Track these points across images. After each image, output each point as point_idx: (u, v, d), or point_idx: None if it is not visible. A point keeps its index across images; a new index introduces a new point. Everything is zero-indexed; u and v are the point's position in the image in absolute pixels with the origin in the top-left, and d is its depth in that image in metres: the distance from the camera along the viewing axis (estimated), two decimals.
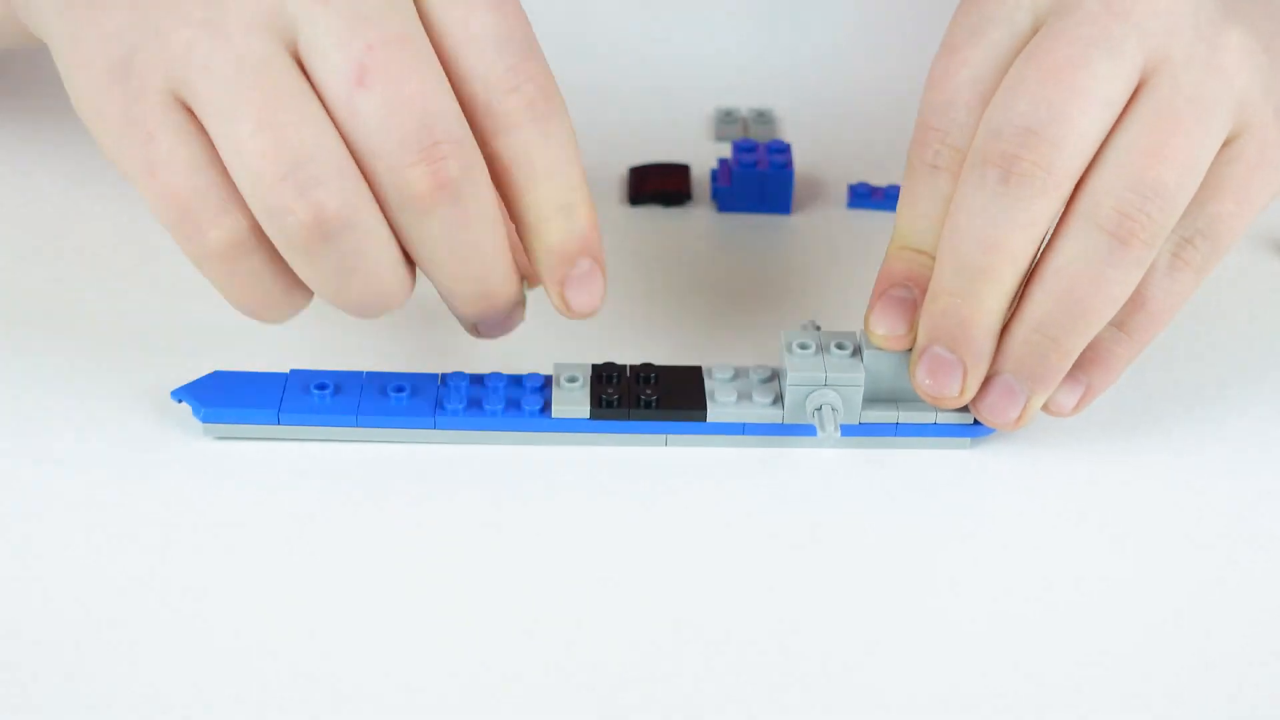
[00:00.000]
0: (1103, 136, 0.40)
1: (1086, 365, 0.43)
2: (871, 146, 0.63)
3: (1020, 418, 0.43)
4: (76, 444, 0.44)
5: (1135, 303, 0.42)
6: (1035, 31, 0.42)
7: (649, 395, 0.45)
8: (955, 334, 0.42)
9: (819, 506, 0.43)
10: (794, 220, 0.59)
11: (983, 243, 0.40)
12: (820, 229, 0.59)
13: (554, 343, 0.48)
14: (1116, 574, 0.41)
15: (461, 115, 0.39)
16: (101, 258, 0.54)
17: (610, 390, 0.45)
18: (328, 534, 0.42)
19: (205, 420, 0.44)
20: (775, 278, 0.55)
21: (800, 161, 0.61)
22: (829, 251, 0.57)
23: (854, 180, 0.61)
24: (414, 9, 0.39)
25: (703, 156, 0.62)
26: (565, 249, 0.41)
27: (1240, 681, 0.38)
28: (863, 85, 0.67)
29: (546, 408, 0.45)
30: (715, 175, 0.60)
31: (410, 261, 0.41)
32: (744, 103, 0.66)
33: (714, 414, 0.45)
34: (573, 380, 0.45)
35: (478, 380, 0.46)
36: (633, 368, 0.46)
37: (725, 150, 0.63)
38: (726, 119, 0.65)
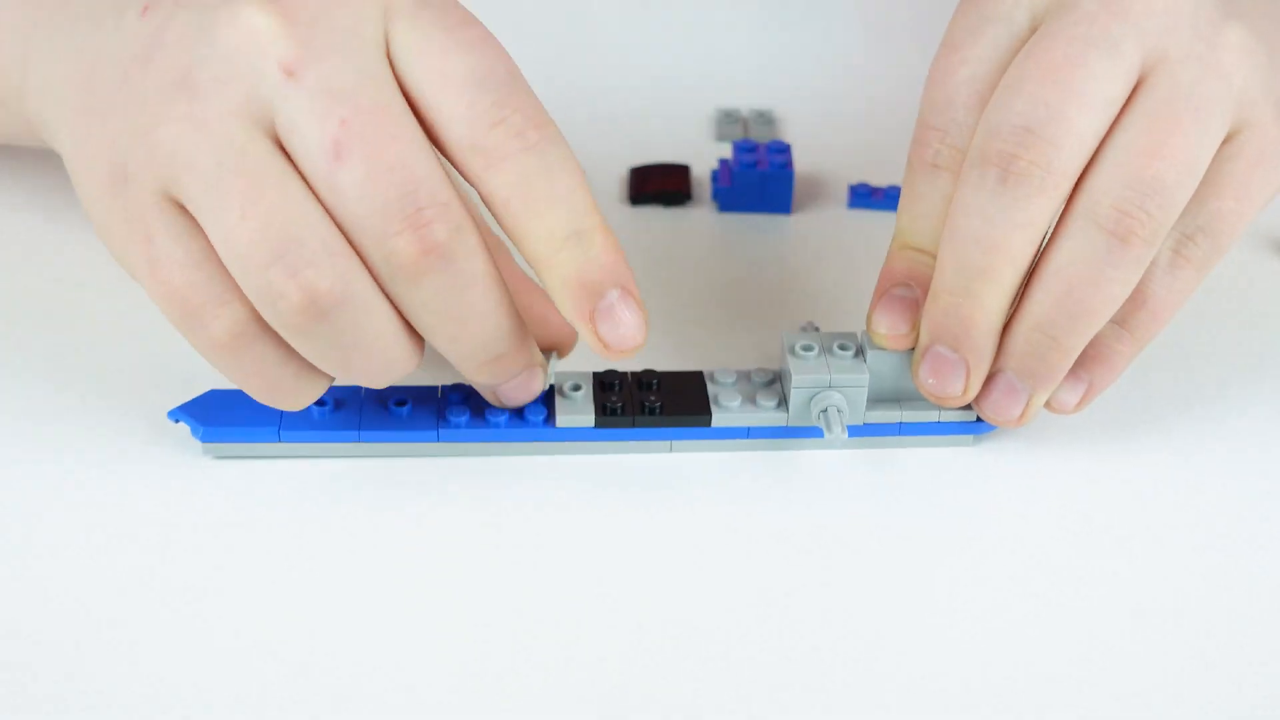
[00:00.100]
0: (1101, 135, 0.40)
1: (1088, 363, 0.43)
2: (871, 146, 0.63)
3: (1023, 416, 0.43)
4: (78, 448, 0.44)
5: (1136, 301, 0.42)
6: (1034, 30, 0.42)
7: (653, 402, 0.45)
8: (957, 333, 0.42)
9: (825, 508, 0.43)
10: (794, 220, 0.59)
11: (982, 242, 0.40)
12: (820, 229, 0.59)
13: None
14: (1118, 573, 0.41)
15: (445, 178, 0.38)
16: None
17: (614, 398, 0.45)
18: (328, 536, 0.42)
19: (205, 440, 0.44)
20: (775, 278, 0.55)
21: (800, 161, 0.61)
22: (829, 251, 0.57)
23: (854, 180, 0.61)
24: (389, 73, 0.38)
25: (703, 157, 0.62)
26: (584, 279, 0.39)
27: (1240, 681, 0.38)
28: (863, 85, 0.67)
29: (550, 417, 0.44)
30: (716, 175, 0.60)
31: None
32: (745, 103, 0.66)
33: (719, 419, 0.45)
34: (576, 389, 0.45)
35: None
36: (634, 374, 0.46)
37: (726, 150, 0.63)
38: (727, 119, 0.65)
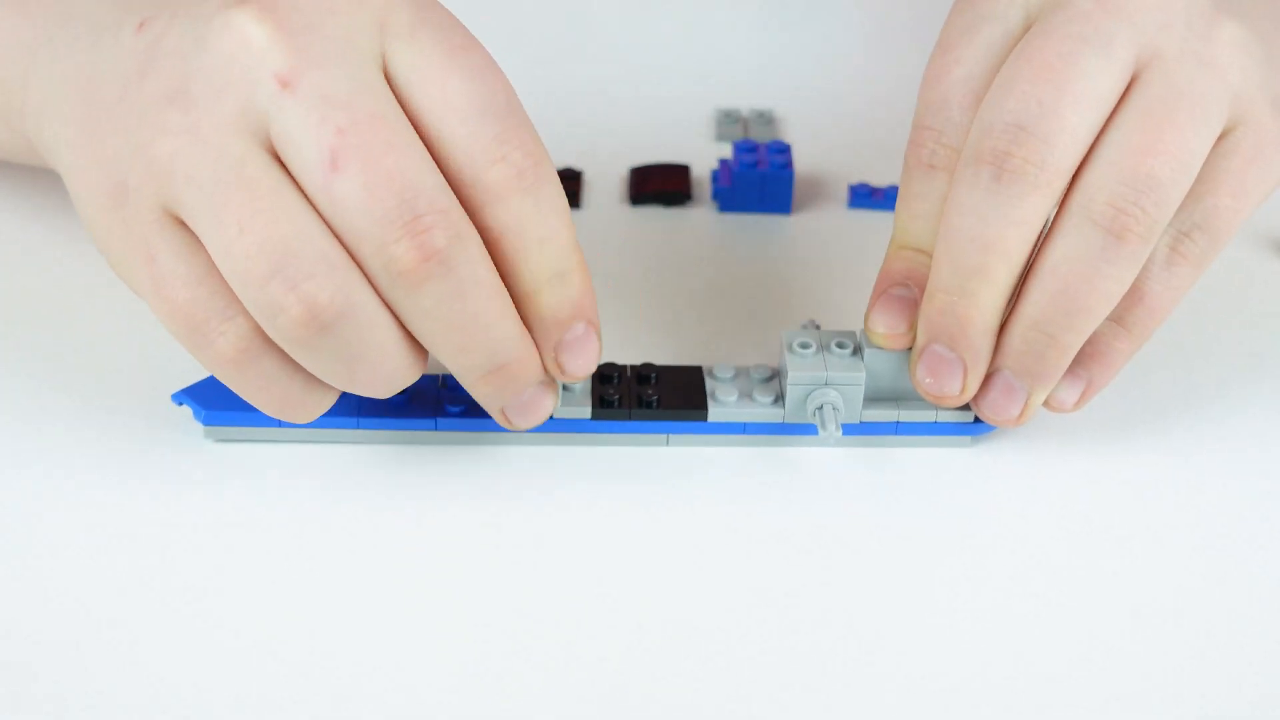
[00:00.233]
0: (1095, 132, 0.40)
1: (1087, 361, 0.43)
2: (871, 146, 0.63)
3: (1022, 415, 0.43)
4: (77, 447, 0.44)
5: (1133, 297, 0.42)
6: (1028, 29, 0.42)
7: (650, 395, 0.45)
8: (954, 332, 0.42)
9: (820, 505, 0.43)
10: (794, 220, 0.59)
11: (977, 241, 0.40)
12: (820, 229, 0.59)
13: None
14: (1117, 573, 0.41)
15: (445, 184, 0.38)
16: (101, 260, 0.53)
17: (611, 390, 0.45)
18: (328, 535, 0.42)
19: (206, 423, 0.44)
20: (775, 278, 0.55)
21: (800, 161, 0.61)
22: (829, 251, 0.57)
23: (854, 180, 0.61)
24: (386, 86, 0.38)
25: (704, 157, 0.62)
26: (559, 315, 0.40)
27: (1240, 681, 0.38)
28: (863, 85, 0.67)
29: None
30: (716, 175, 0.60)
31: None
32: (745, 103, 0.66)
33: (715, 414, 0.45)
34: None
35: None
36: (633, 368, 0.46)
37: (726, 150, 0.63)
38: (727, 119, 0.65)
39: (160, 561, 0.41)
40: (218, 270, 0.38)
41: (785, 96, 0.67)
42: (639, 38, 0.68)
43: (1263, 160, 0.42)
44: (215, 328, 0.39)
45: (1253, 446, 0.46)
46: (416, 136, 0.38)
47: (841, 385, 0.44)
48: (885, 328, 0.43)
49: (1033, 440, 0.46)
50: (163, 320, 0.39)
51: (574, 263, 0.40)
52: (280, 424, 0.44)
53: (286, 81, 0.37)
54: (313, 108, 0.37)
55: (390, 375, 0.40)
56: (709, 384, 0.46)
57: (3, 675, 0.37)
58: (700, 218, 0.59)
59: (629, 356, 0.48)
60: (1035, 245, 0.41)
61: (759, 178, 0.59)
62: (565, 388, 0.45)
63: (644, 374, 0.46)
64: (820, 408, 0.44)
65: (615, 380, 0.45)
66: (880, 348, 0.44)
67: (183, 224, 0.39)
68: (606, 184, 0.61)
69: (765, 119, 0.65)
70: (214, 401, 0.44)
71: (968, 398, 0.43)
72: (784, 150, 0.60)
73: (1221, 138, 0.41)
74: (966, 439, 0.46)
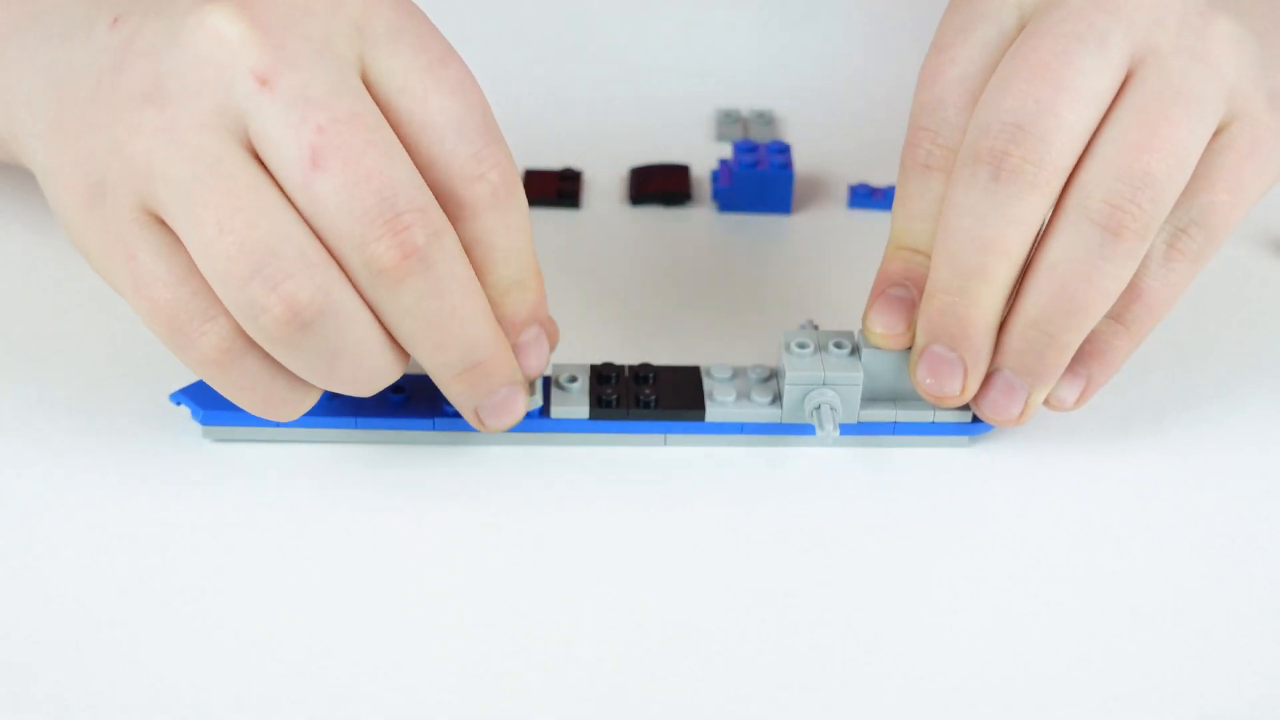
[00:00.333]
0: (1091, 130, 0.40)
1: (1086, 359, 0.43)
2: (871, 146, 0.63)
3: (1022, 414, 0.43)
4: (76, 447, 0.44)
5: (1132, 295, 0.42)
6: (1022, 28, 0.42)
7: (648, 395, 0.45)
8: (954, 332, 0.42)
9: (817, 505, 0.43)
10: (794, 220, 0.59)
11: (976, 241, 0.40)
12: (820, 229, 0.59)
13: None
14: (1116, 573, 0.41)
15: (423, 183, 0.38)
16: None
17: (609, 390, 0.45)
18: (327, 535, 0.42)
19: (204, 423, 0.44)
20: (775, 278, 0.55)
21: (800, 161, 0.61)
22: (829, 251, 0.57)
23: (854, 180, 0.61)
24: (364, 89, 0.38)
25: (704, 157, 0.62)
26: (517, 318, 0.42)
27: (1239, 681, 0.38)
28: (863, 85, 0.67)
29: (545, 408, 0.45)
30: (716, 175, 0.60)
31: None
32: (745, 103, 0.66)
33: (712, 413, 0.45)
34: (572, 380, 0.45)
35: None
36: (631, 368, 0.46)
37: (726, 150, 0.63)
38: (727, 119, 0.65)
39: (159, 561, 0.41)
40: (199, 270, 0.38)
41: (785, 96, 0.67)
42: (639, 38, 0.68)
43: (1259, 155, 0.42)
44: (197, 328, 0.38)
45: (1251, 446, 0.46)
46: (395, 137, 0.38)
47: (839, 385, 0.44)
48: (883, 328, 0.43)
49: (1031, 440, 0.46)
50: (144, 319, 0.39)
51: (532, 271, 0.41)
52: (279, 423, 0.44)
53: (265, 79, 0.37)
54: (292, 106, 0.37)
55: (371, 373, 0.40)
56: (707, 384, 0.46)
57: (3, 675, 0.37)
58: (700, 218, 0.59)
59: (627, 356, 0.48)
60: (1033, 244, 0.41)
61: (759, 178, 0.59)
62: (562, 386, 0.45)
63: (642, 374, 0.46)
64: (818, 408, 0.44)
65: (613, 380, 0.45)
66: (878, 348, 0.44)
67: (162, 222, 0.39)
68: (606, 184, 0.61)
69: (765, 119, 0.65)
70: (212, 401, 0.44)
71: (968, 398, 0.43)
72: (784, 150, 0.60)
73: (1217, 134, 0.41)
74: (964, 439, 0.46)
